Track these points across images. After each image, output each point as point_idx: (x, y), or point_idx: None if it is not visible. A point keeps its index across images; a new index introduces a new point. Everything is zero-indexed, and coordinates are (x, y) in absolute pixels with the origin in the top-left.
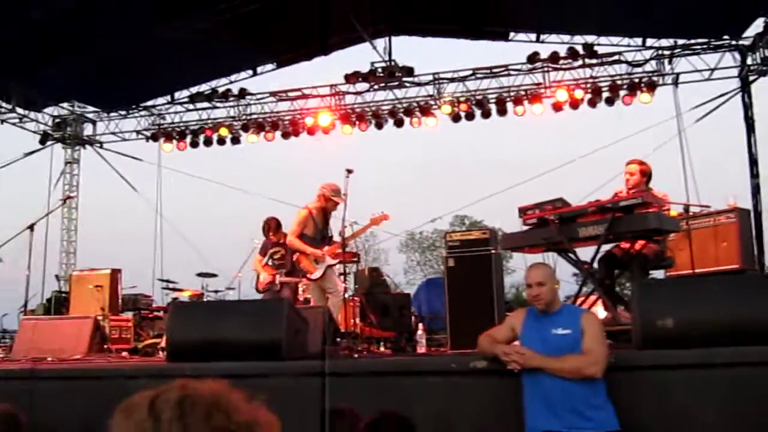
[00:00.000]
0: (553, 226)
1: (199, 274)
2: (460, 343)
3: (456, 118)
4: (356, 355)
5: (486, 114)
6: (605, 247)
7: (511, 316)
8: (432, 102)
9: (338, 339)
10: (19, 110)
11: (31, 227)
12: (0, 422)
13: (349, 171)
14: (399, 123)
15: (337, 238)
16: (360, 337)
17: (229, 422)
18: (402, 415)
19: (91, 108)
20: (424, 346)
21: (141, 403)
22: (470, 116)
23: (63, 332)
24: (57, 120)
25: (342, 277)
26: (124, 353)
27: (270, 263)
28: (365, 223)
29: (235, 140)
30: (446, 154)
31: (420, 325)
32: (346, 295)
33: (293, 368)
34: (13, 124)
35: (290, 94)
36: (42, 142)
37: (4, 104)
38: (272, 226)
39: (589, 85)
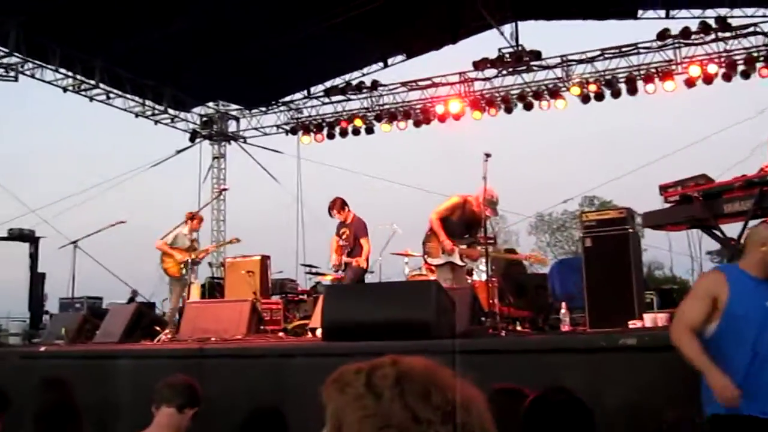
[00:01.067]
0: (697, 202)
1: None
2: (599, 322)
3: (585, 99)
4: (503, 334)
5: (616, 94)
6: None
7: (703, 283)
8: (561, 84)
9: (483, 319)
10: (171, 111)
11: (193, 216)
12: (183, 389)
13: (487, 155)
14: (528, 106)
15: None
16: (500, 317)
17: (446, 400)
18: (568, 390)
19: (234, 106)
20: (568, 325)
21: (356, 377)
22: (600, 97)
23: (224, 314)
24: (204, 119)
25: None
26: (280, 333)
27: (341, 243)
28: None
29: (369, 130)
30: (574, 135)
31: (563, 304)
32: (483, 277)
33: (442, 346)
34: (166, 124)
35: (420, 83)
36: (192, 139)
37: (157, 106)
38: (336, 205)
39: (723, 59)
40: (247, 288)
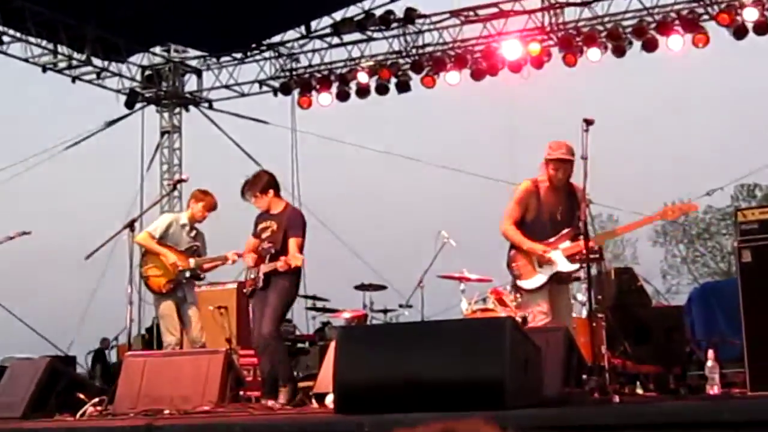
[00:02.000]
0: None
1: (360, 287)
2: (766, 381)
3: (740, 31)
4: (615, 400)
5: None
6: None
7: None
8: (700, 10)
9: (584, 377)
10: (96, 61)
11: (130, 225)
12: None
13: (588, 122)
14: (650, 45)
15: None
16: (612, 374)
17: None
18: None
19: (193, 53)
20: (717, 386)
21: None
22: (764, 28)
23: (184, 373)
24: (148, 73)
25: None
26: (270, 402)
27: (263, 247)
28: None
29: (403, 86)
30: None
31: (709, 353)
32: (583, 311)
33: (521, 420)
34: (89, 81)
35: (481, 12)
36: (129, 104)
37: (76, 54)
38: (257, 183)
39: None
40: (218, 333)
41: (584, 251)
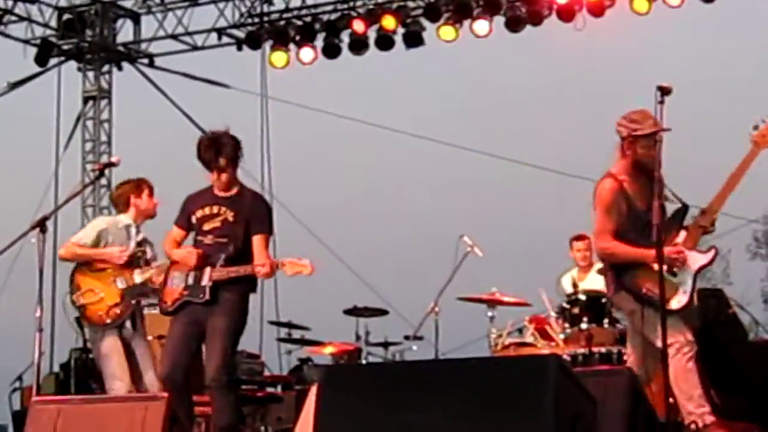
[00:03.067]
0: None
1: (350, 311)
2: None
3: None
4: None
5: None
6: None
7: None
8: None
9: None
10: None
11: (41, 225)
12: None
13: (664, 90)
14: None
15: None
16: None
17: None
18: None
19: None
20: None
21: None
22: None
23: (112, 426)
24: (66, 17)
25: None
26: None
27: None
28: None
29: (413, 37)
30: None
31: None
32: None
33: None
34: None
35: None
36: (41, 60)
37: None
38: (231, 149)
39: None
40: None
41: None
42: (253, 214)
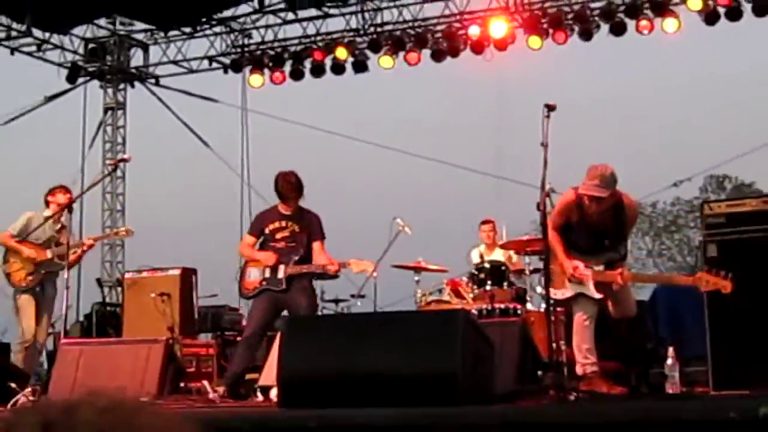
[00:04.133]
0: None
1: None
2: (728, 380)
3: (711, 17)
4: (572, 397)
5: (763, 8)
6: None
7: None
8: None
9: (540, 372)
10: (37, 33)
11: (68, 207)
12: None
13: (550, 108)
14: (618, 29)
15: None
16: (569, 370)
17: None
18: None
19: (140, 26)
20: (676, 384)
21: None
22: (734, 13)
23: (122, 363)
24: (91, 46)
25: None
26: (212, 394)
27: (281, 246)
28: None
29: (360, 65)
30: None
31: (670, 350)
32: (542, 305)
33: (473, 417)
34: (29, 54)
35: None
36: (71, 78)
37: (15, 25)
38: (298, 184)
39: None
40: (159, 321)
41: (619, 282)
42: (312, 226)
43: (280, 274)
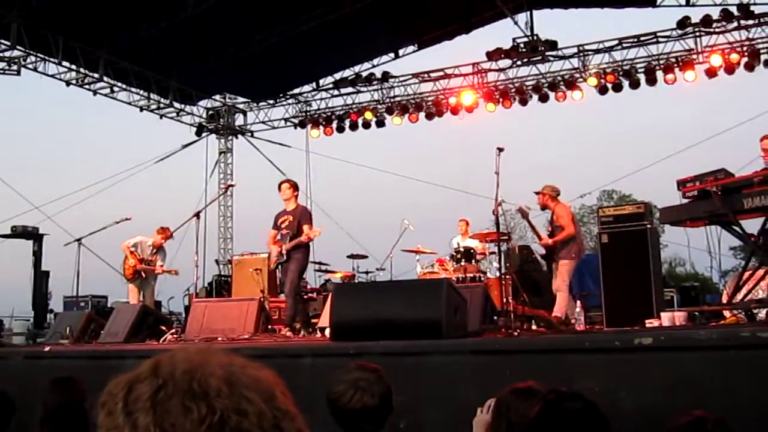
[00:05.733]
0: (716, 198)
1: (350, 256)
2: (616, 321)
3: (603, 90)
4: (515, 333)
5: (634, 84)
6: None
7: None
8: (577, 75)
9: (496, 317)
10: (176, 104)
11: (197, 215)
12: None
13: (500, 149)
14: (543, 98)
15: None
16: (514, 316)
17: (212, 409)
18: (581, 396)
19: (241, 99)
20: (582, 324)
21: (115, 395)
22: (617, 87)
23: (232, 313)
24: (210, 112)
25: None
26: (288, 333)
27: (282, 233)
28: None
29: (380, 123)
30: (592, 128)
31: (578, 303)
32: (496, 274)
33: (453, 346)
34: (171, 117)
35: (433, 74)
36: (198, 133)
37: (162, 99)
38: (291, 184)
39: (745, 48)
40: (255, 286)
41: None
42: (302, 217)
43: (282, 251)
